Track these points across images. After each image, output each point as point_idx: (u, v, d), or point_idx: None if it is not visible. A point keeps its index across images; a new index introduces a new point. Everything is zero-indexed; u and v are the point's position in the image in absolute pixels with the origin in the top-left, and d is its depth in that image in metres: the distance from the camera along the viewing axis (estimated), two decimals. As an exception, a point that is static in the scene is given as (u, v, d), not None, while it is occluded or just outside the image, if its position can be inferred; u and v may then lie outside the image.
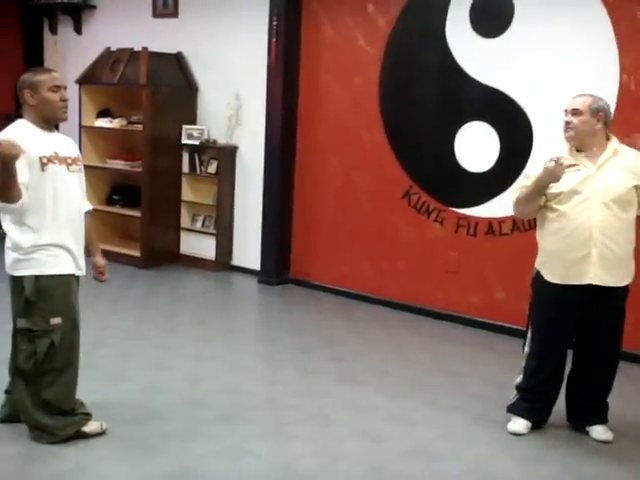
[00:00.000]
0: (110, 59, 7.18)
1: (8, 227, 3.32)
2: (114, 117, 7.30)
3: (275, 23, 6.33)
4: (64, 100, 3.37)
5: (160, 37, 7.15)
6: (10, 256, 3.33)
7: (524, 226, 5.32)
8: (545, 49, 5.26)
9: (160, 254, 7.13)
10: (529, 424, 3.85)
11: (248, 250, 6.93)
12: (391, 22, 5.93)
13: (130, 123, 7.22)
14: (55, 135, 3.45)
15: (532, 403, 3.86)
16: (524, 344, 3.90)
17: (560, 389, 3.88)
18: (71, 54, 7.97)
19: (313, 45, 6.40)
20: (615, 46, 4.96)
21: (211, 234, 7.06)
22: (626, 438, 3.85)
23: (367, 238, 6.24)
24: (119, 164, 7.30)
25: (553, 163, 3.52)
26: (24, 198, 3.16)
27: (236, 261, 7.10)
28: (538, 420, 3.88)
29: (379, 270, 6.22)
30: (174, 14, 7.22)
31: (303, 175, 6.61)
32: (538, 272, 3.80)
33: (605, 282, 3.62)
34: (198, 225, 7.23)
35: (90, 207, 3.66)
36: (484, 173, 5.63)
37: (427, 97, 5.85)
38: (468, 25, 5.56)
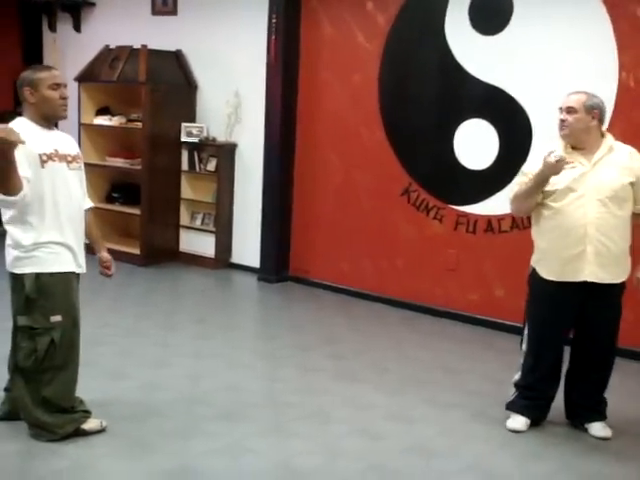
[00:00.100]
0: (109, 57, 7.17)
1: (9, 225, 3.32)
2: (113, 115, 7.29)
3: (274, 21, 6.33)
4: (64, 98, 3.36)
5: (159, 35, 7.15)
6: (11, 254, 3.33)
7: (523, 224, 5.32)
8: (544, 47, 5.26)
9: (159, 252, 7.14)
10: (528, 421, 3.86)
11: (247, 248, 6.93)
12: (390, 19, 5.93)
13: (129, 121, 7.22)
14: (55, 133, 3.45)
15: (531, 400, 3.86)
16: (521, 341, 3.91)
17: (558, 386, 3.88)
18: (70, 52, 7.96)
19: (312, 42, 6.40)
20: (614, 44, 4.96)
21: (210, 232, 7.07)
22: (625, 435, 3.86)
23: (366, 235, 6.25)
24: (118, 162, 7.30)
25: (553, 157, 3.52)
26: (25, 190, 3.14)
27: (235, 259, 7.11)
28: (537, 417, 3.89)
29: (378, 267, 6.22)
30: (173, 12, 7.22)
31: (302, 172, 6.61)
32: (534, 269, 3.80)
33: (601, 279, 3.63)
34: (197, 223, 7.23)
35: (91, 204, 3.67)
36: (483, 171, 5.63)
37: (426, 94, 5.86)
38: (467, 22, 5.56)
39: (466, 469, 3.45)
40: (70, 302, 3.42)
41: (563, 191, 3.61)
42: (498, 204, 5.44)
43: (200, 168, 7.08)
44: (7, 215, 3.31)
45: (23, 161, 3.14)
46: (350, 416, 3.95)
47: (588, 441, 3.78)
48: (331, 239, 6.48)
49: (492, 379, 4.54)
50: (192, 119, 7.17)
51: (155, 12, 7.35)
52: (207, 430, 3.68)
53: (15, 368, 3.45)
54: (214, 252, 7.02)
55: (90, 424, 3.53)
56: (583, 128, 3.64)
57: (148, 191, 6.99)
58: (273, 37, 6.36)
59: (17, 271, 3.32)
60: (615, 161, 3.64)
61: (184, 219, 7.26)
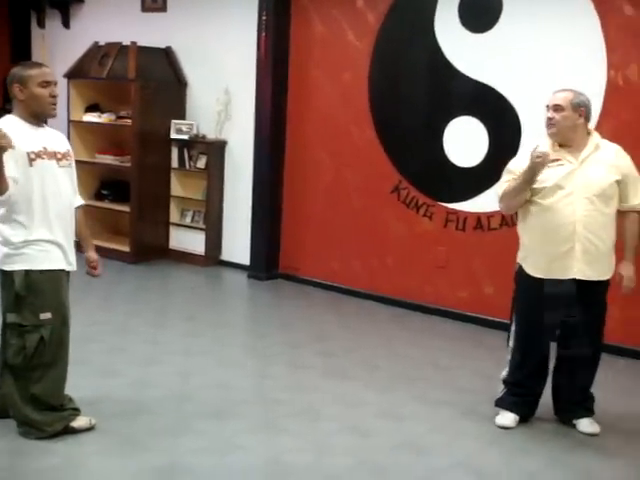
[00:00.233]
0: (99, 53, 7.15)
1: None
2: (103, 112, 7.27)
3: (264, 18, 6.33)
4: (53, 96, 3.34)
5: (149, 32, 7.13)
6: (0, 251, 3.32)
7: (512, 221, 5.33)
8: (533, 44, 5.28)
9: (149, 249, 7.12)
10: (517, 417, 3.88)
11: (237, 245, 6.93)
12: (380, 17, 5.93)
13: (119, 118, 7.19)
14: (45, 130, 3.43)
15: (519, 397, 3.89)
16: (508, 338, 3.93)
17: (545, 383, 3.90)
18: (59, 48, 7.92)
19: (302, 40, 6.39)
20: (603, 42, 4.98)
21: (200, 229, 7.06)
22: (613, 431, 3.88)
23: (356, 233, 6.25)
24: (108, 159, 7.27)
25: (538, 151, 3.54)
26: (11, 190, 3.15)
27: (225, 256, 7.10)
28: (525, 414, 3.91)
29: (368, 265, 6.23)
30: (163, 8, 7.20)
31: (292, 169, 6.61)
32: (520, 267, 3.82)
33: (588, 276, 3.65)
34: (187, 220, 7.21)
35: (81, 202, 3.65)
36: (473, 168, 5.65)
37: (416, 92, 5.87)
38: (457, 20, 5.58)
39: (456, 465, 3.47)
40: (60, 300, 3.41)
41: (552, 188, 3.62)
42: (487, 201, 5.45)
43: (190, 165, 7.06)
44: (-3, 213, 3.31)
45: (10, 161, 3.13)
46: (340, 413, 3.96)
47: (576, 437, 3.81)
48: (321, 236, 6.49)
49: (482, 376, 4.56)
50: (182, 116, 7.15)
51: (145, 9, 7.33)
52: (197, 427, 3.68)
53: (4, 365, 3.44)
54: (204, 249, 7.01)
55: (79, 422, 3.52)
56: (570, 126, 3.65)
57: (138, 188, 6.97)
58: (263, 34, 6.35)
59: (6, 268, 3.31)
60: (602, 159, 3.66)
61: (174, 216, 7.24)
